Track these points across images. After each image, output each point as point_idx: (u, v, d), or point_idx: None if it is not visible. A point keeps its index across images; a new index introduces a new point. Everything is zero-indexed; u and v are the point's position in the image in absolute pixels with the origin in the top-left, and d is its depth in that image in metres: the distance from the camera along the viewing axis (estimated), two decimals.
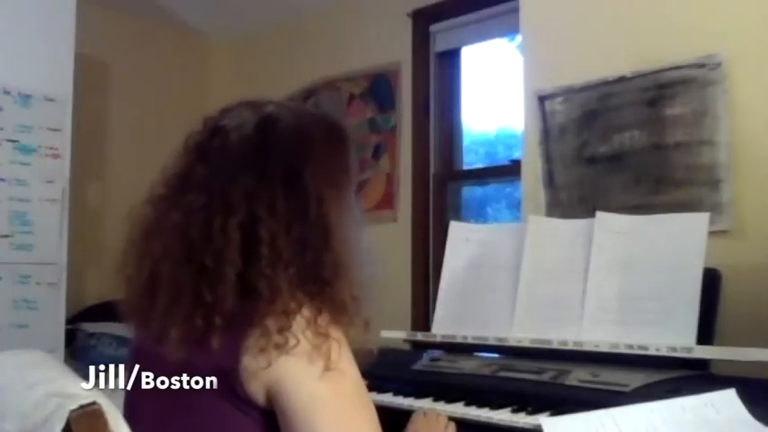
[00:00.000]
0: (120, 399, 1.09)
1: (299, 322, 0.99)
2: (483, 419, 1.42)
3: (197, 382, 1.02)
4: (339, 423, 1.00)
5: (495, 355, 1.80)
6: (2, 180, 2.67)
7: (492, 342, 1.78)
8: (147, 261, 1.07)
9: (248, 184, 1.04)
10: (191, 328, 1.00)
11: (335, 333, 1.01)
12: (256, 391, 0.99)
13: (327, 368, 0.99)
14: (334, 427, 0.99)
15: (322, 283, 1.03)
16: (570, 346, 1.64)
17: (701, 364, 1.53)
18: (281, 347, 0.97)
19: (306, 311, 1.00)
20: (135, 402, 1.15)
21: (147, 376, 1.12)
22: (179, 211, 1.06)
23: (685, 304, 1.56)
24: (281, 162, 1.06)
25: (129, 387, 1.17)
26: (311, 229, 1.04)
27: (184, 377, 1.03)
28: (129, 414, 1.14)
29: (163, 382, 1.07)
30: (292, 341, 0.97)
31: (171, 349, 1.01)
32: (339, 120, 1.24)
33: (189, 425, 1.05)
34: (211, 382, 1.01)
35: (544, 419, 1.29)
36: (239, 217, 1.02)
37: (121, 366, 1.15)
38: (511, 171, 2.80)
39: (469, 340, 1.83)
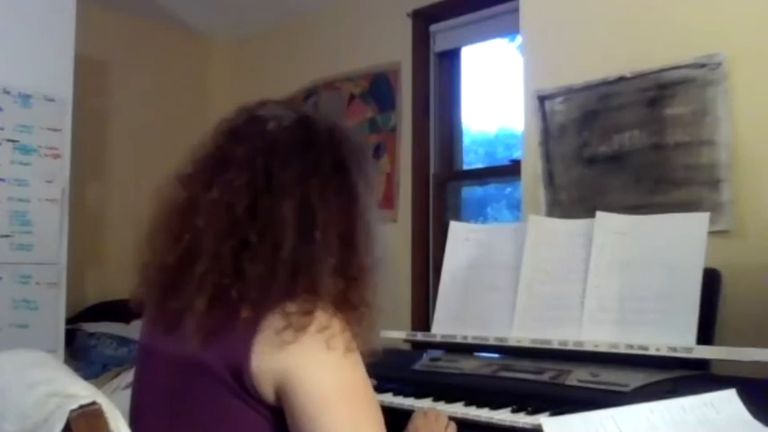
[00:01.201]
0: (120, 399, 1.09)
1: (323, 312, 1.00)
2: (483, 419, 1.42)
3: (205, 377, 1.02)
4: (346, 419, 1.00)
5: (495, 355, 1.80)
6: (2, 180, 2.66)
7: (492, 342, 1.78)
8: (187, 234, 1.06)
9: (300, 170, 1.06)
10: (223, 298, 1.00)
11: (350, 328, 1.03)
12: (265, 385, 0.99)
13: (340, 363, 1.00)
14: (342, 423, 0.99)
15: (349, 278, 1.05)
16: (570, 346, 1.64)
17: (701, 364, 1.53)
18: (299, 335, 0.98)
19: (328, 304, 1.02)
20: (142, 399, 1.15)
21: (155, 372, 1.12)
22: (219, 188, 1.06)
23: (685, 304, 1.56)
24: (330, 155, 1.10)
25: (136, 384, 1.18)
26: (354, 225, 1.07)
27: (193, 373, 1.03)
28: (137, 411, 1.14)
29: (170, 379, 1.07)
30: (310, 330, 0.98)
31: (187, 328, 1.01)
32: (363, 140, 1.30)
33: (197, 421, 1.05)
34: (220, 377, 1.00)
35: (544, 419, 1.29)
36: (294, 199, 1.04)
37: (121, 366, 1.15)
38: (511, 171, 2.81)
39: (469, 340, 1.83)
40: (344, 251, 1.05)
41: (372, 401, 1.05)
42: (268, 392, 1.00)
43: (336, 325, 1.01)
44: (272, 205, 1.03)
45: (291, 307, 0.99)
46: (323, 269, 1.02)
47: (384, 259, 1.15)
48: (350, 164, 1.11)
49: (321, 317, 1.00)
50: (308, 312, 0.99)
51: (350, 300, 1.04)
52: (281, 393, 1.00)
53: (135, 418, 1.12)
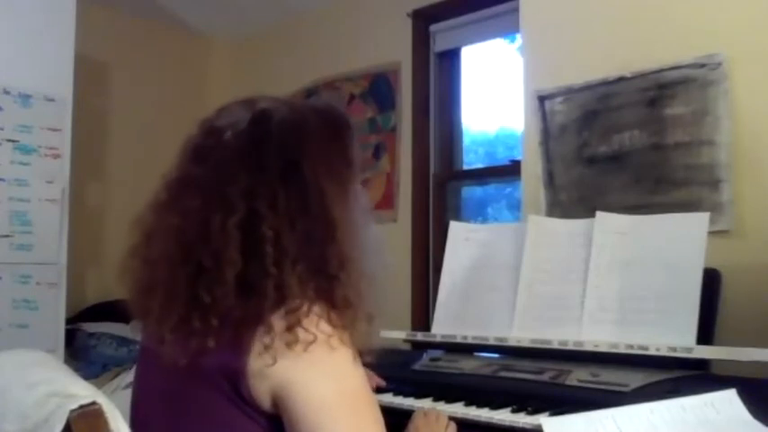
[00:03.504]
0: (120, 399, 1.09)
1: (310, 320, 0.97)
2: (483, 419, 1.42)
3: (202, 384, 1.01)
4: (348, 425, 0.98)
5: (495, 355, 1.80)
6: (2, 180, 2.67)
7: (492, 342, 1.78)
8: (147, 264, 1.06)
9: (245, 182, 1.02)
10: (187, 330, 0.99)
11: (342, 331, 1.00)
12: (262, 393, 0.98)
13: (336, 368, 0.98)
14: (343, 429, 0.98)
15: (329, 278, 1.01)
16: (570, 346, 1.64)
17: (701, 364, 1.53)
18: (290, 346, 0.96)
19: (316, 308, 0.99)
20: (142, 403, 1.15)
21: (153, 375, 1.11)
22: (177, 214, 1.04)
23: (685, 304, 1.56)
24: (278, 155, 1.04)
25: (135, 384, 1.17)
26: (315, 223, 1.02)
27: (190, 379, 1.02)
28: (136, 415, 1.13)
29: (167, 383, 1.06)
30: (302, 339, 0.96)
31: (169, 351, 1.00)
32: (339, 109, 1.21)
33: (193, 426, 1.04)
34: (216, 383, 0.99)
35: (544, 419, 1.29)
36: (239, 215, 1.00)
37: (121, 366, 1.15)
38: (511, 171, 2.81)
39: (469, 340, 1.83)
40: (315, 250, 1.01)
41: (371, 403, 1.03)
42: (264, 401, 0.98)
43: (328, 329, 0.98)
44: (222, 226, 1.00)
45: (277, 321, 0.96)
46: (287, 280, 0.98)
47: (377, 246, 1.12)
48: (305, 156, 1.05)
49: (310, 325, 0.97)
50: (296, 324, 0.96)
51: (335, 299, 1.01)
52: (278, 402, 0.98)
53: (134, 420, 1.12)
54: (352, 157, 1.14)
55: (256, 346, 0.97)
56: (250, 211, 1.01)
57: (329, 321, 0.99)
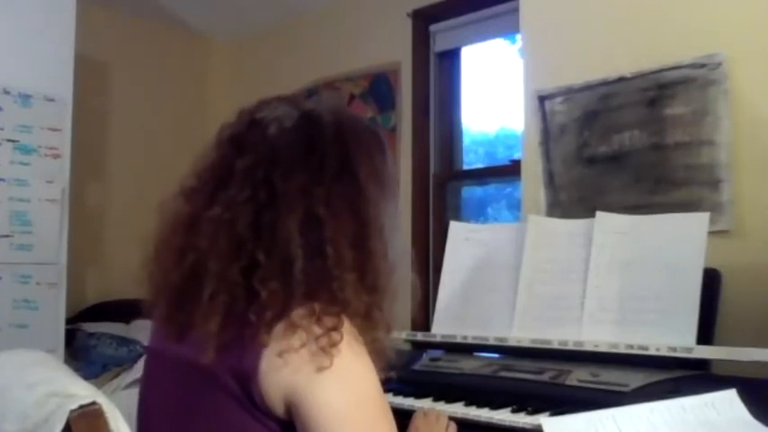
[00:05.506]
0: (120, 399, 1.09)
1: (342, 329, 0.95)
2: (483, 419, 1.42)
3: (213, 387, 0.99)
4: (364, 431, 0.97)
5: (495, 355, 1.80)
6: (2, 180, 2.66)
7: (492, 342, 1.78)
8: (190, 254, 1.02)
9: (303, 179, 1.00)
10: (236, 319, 0.95)
11: (362, 340, 0.99)
12: (275, 398, 0.95)
13: (350, 376, 0.96)
14: None
15: (371, 288, 1.00)
16: (570, 346, 1.64)
17: (701, 364, 1.53)
18: (310, 352, 0.93)
19: (346, 320, 0.97)
20: (149, 404, 1.13)
21: (163, 378, 1.10)
22: (220, 204, 1.01)
23: (685, 304, 1.56)
24: (336, 156, 1.03)
25: (143, 388, 1.15)
26: (366, 231, 1.01)
27: (201, 382, 1.00)
28: (143, 417, 1.12)
29: (178, 386, 1.05)
30: (322, 346, 0.93)
31: (198, 344, 0.97)
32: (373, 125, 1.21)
33: (203, 430, 1.02)
34: (229, 388, 0.97)
35: (544, 419, 1.29)
36: (298, 213, 0.98)
37: (120, 366, 1.14)
38: (511, 171, 2.81)
39: (469, 340, 1.83)
40: (360, 260, 0.99)
41: (386, 410, 1.00)
42: (278, 407, 0.96)
43: (349, 338, 0.96)
44: (276, 220, 0.98)
45: (297, 318, 0.94)
46: (345, 285, 0.97)
47: (404, 258, 1.09)
48: (358, 161, 1.04)
49: (335, 334, 0.95)
50: (314, 324, 0.94)
51: (371, 311, 0.99)
52: (291, 408, 0.95)
53: (141, 423, 1.11)
54: (393, 169, 1.13)
55: (272, 350, 0.94)
56: (308, 210, 0.99)
57: (352, 331, 0.97)
